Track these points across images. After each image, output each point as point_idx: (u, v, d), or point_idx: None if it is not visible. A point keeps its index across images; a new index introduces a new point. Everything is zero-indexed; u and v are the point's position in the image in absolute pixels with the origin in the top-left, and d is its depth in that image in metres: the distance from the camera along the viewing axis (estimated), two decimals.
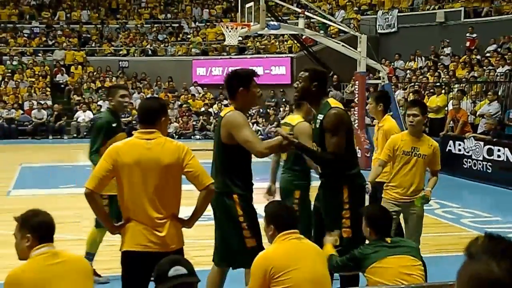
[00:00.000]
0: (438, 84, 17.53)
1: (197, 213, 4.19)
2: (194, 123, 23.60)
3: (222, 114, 4.81)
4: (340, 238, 4.68)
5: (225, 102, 24.27)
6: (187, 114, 23.95)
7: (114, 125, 6.14)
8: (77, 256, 3.78)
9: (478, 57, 19.61)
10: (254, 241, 4.69)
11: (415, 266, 4.18)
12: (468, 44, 21.23)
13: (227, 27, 15.88)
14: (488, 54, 19.67)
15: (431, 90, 17.18)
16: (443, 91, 16.89)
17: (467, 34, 21.41)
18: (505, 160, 12.86)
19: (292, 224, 3.97)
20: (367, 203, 5.60)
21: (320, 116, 4.72)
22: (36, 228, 3.56)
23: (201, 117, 23.76)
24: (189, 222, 4.24)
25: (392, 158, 5.97)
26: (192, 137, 22.83)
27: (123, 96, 6.26)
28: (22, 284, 3.42)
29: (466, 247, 1.59)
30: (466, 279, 1.53)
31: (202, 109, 24.45)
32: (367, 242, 4.47)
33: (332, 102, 4.80)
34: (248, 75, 4.77)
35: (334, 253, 4.45)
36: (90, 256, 6.26)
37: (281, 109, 23.16)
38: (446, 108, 16.24)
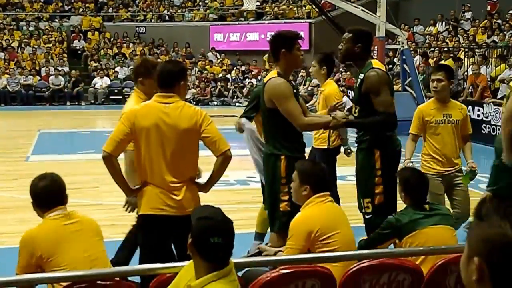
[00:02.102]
0: (448, 49, 17.22)
1: (213, 179, 4.20)
2: (212, 89, 23.54)
3: (265, 79, 4.72)
4: (372, 205, 4.58)
5: (243, 68, 24.16)
6: (205, 80, 23.90)
7: None
8: (87, 217, 3.85)
9: (499, 21, 19.23)
10: (288, 205, 4.48)
11: (453, 237, 3.98)
12: (489, 8, 20.81)
13: None
14: (508, 18, 19.27)
15: (451, 55, 16.93)
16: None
17: None
18: None
19: (329, 186, 3.92)
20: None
21: (361, 76, 4.63)
22: (39, 195, 3.66)
23: (218, 83, 23.67)
24: (205, 187, 4.26)
25: (422, 129, 5.67)
26: (209, 103, 22.79)
27: None
28: (37, 243, 3.51)
29: (476, 208, 1.53)
30: (478, 243, 1.47)
31: (220, 75, 24.36)
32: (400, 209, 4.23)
33: (375, 63, 4.68)
34: (291, 37, 4.66)
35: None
36: (261, 236, 5.73)
37: (299, 74, 22.99)
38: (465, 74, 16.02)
